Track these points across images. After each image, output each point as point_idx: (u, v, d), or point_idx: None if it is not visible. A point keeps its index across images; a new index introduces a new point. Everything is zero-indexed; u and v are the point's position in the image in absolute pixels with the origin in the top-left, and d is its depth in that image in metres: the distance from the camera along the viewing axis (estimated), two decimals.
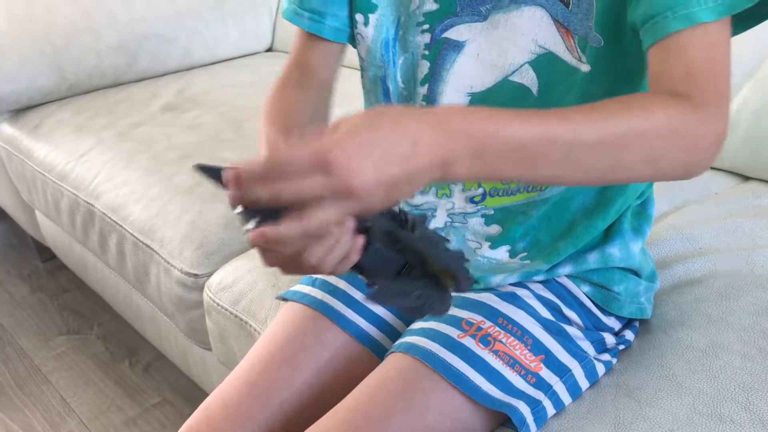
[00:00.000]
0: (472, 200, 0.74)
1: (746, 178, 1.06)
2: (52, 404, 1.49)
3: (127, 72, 1.70)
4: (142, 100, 1.59)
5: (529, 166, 0.51)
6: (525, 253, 0.73)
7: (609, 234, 0.73)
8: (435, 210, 0.77)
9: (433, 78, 0.71)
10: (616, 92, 0.66)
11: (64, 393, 1.52)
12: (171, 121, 1.46)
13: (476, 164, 0.50)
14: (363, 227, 0.54)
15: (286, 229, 0.48)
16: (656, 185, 0.99)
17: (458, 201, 0.75)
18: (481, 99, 0.69)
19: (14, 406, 1.49)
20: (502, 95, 0.68)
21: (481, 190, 0.73)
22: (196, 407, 0.75)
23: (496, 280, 0.72)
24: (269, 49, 1.94)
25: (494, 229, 0.75)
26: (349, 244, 0.52)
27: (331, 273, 0.54)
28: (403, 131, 0.48)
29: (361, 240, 0.53)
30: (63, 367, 1.59)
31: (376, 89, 0.76)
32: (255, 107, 1.48)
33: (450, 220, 0.76)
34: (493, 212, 0.74)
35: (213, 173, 0.52)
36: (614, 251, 0.72)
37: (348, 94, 1.49)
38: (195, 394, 1.46)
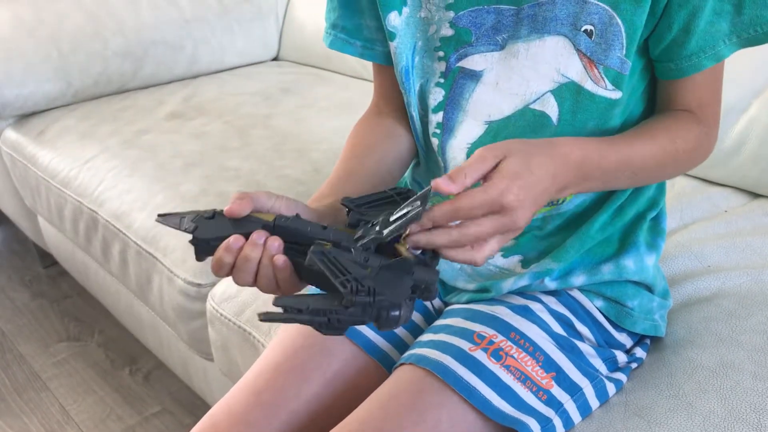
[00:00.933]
0: None
1: (755, 196, 1.06)
2: (51, 412, 1.48)
3: (133, 78, 1.70)
4: (147, 107, 1.58)
5: (607, 183, 0.66)
6: (537, 262, 0.72)
7: (624, 246, 0.73)
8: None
9: (450, 106, 0.71)
10: (634, 113, 0.70)
11: (63, 400, 1.50)
12: (177, 128, 1.46)
13: (579, 186, 0.63)
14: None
15: (446, 216, 0.55)
16: (666, 201, 0.99)
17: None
18: (498, 126, 0.70)
19: (12, 413, 1.48)
20: (521, 122, 0.69)
21: None
22: (196, 417, 0.74)
23: (506, 285, 0.72)
24: (275, 58, 1.94)
25: (508, 243, 0.74)
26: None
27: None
28: (546, 169, 0.58)
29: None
30: (63, 374, 1.58)
31: (408, 116, 0.77)
32: (261, 116, 1.49)
33: None
34: None
35: (173, 221, 0.60)
36: (629, 263, 0.72)
37: (353, 104, 1.49)
38: (195, 404, 1.44)
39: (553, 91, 0.67)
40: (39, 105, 1.62)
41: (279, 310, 0.55)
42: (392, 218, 0.56)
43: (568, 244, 0.71)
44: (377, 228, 0.56)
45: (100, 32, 1.64)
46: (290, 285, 0.59)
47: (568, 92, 0.67)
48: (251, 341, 0.94)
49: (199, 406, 1.43)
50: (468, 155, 0.71)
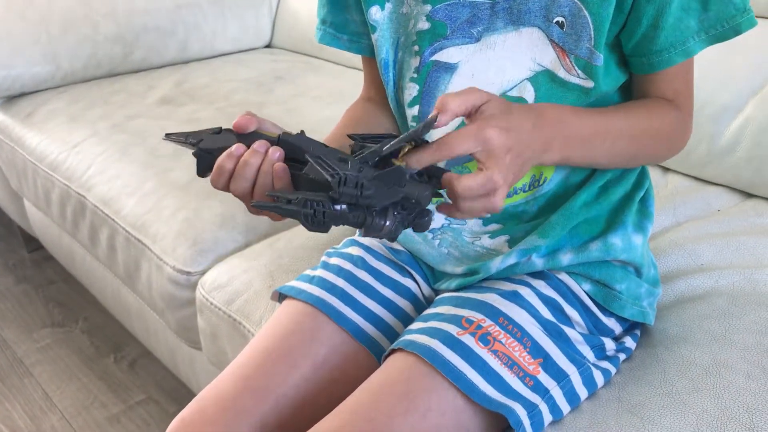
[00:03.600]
0: None
1: (748, 195, 1.06)
2: (34, 398, 1.46)
3: (123, 63, 1.68)
4: (138, 92, 1.56)
5: (588, 153, 0.67)
6: (523, 241, 0.73)
7: (611, 226, 0.74)
8: (433, 213, 0.76)
9: (425, 100, 0.73)
10: (608, 102, 0.72)
11: (46, 387, 1.49)
12: (167, 114, 1.44)
13: (563, 152, 0.64)
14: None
15: (429, 156, 0.57)
16: (657, 202, 0.99)
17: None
18: None
19: None
20: None
21: None
22: (181, 406, 0.74)
23: (494, 264, 0.72)
24: (268, 45, 1.92)
25: (493, 227, 0.76)
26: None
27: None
28: (526, 115, 0.61)
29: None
30: (46, 360, 1.56)
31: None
32: (253, 104, 1.47)
33: (448, 221, 0.77)
34: (490, 215, 0.74)
35: (179, 138, 0.62)
36: (616, 241, 0.73)
37: (345, 93, 1.48)
38: (181, 393, 1.43)
39: (529, 79, 0.70)
40: (27, 87, 1.59)
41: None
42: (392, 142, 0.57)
43: (553, 220, 0.72)
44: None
45: (91, 15, 1.62)
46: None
47: (543, 79, 0.69)
48: (241, 331, 0.93)
49: (184, 395, 1.42)
50: None
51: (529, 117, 0.62)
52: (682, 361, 0.73)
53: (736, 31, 0.68)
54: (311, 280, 0.79)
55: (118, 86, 1.61)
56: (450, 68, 0.71)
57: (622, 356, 0.74)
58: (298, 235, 1.03)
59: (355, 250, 0.81)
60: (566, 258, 0.72)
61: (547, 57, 0.69)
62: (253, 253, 1.01)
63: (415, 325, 0.70)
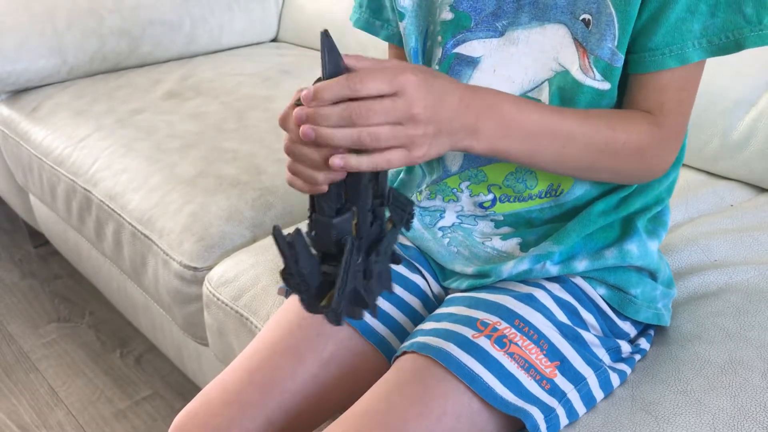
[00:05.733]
0: (481, 206, 0.74)
1: (762, 190, 1.04)
2: (40, 393, 1.46)
3: (129, 57, 1.67)
4: (143, 87, 1.55)
5: (533, 151, 0.62)
6: (537, 245, 0.71)
7: (626, 232, 0.72)
8: (444, 211, 0.75)
9: None
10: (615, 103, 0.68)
11: (52, 382, 1.48)
12: (173, 108, 1.43)
13: (496, 140, 0.59)
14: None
15: (338, 85, 0.52)
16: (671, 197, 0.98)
17: (467, 206, 0.74)
18: None
19: (1, 394, 1.46)
20: None
21: (491, 196, 0.72)
22: (188, 402, 0.74)
23: (506, 269, 0.71)
24: (274, 39, 1.91)
25: (505, 230, 0.74)
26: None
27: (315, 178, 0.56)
28: (453, 87, 0.57)
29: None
30: (52, 355, 1.56)
31: None
32: (259, 98, 1.46)
33: (459, 220, 0.76)
34: (503, 218, 0.74)
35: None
36: (632, 248, 0.71)
37: None
38: (187, 389, 1.43)
39: (549, 80, 0.67)
40: (32, 81, 1.58)
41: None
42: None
43: (569, 227, 0.70)
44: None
45: (97, 9, 1.61)
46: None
47: (560, 81, 0.67)
48: (248, 326, 0.92)
49: (190, 391, 1.41)
50: None
51: (457, 89, 0.57)
52: (696, 359, 0.71)
53: (739, 45, 0.62)
54: None
55: (123, 80, 1.60)
56: (472, 62, 0.69)
57: (637, 357, 0.73)
58: (305, 229, 1.02)
59: None
60: (581, 265, 0.71)
61: (569, 57, 0.65)
62: (261, 248, 1.00)
63: (426, 325, 0.69)
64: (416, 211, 0.78)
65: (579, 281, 0.72)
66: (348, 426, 0.62)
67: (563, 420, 0.65)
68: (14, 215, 1.90)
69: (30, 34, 1.55)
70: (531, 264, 0.70)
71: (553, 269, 0.71)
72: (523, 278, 0.71)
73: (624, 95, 0.67)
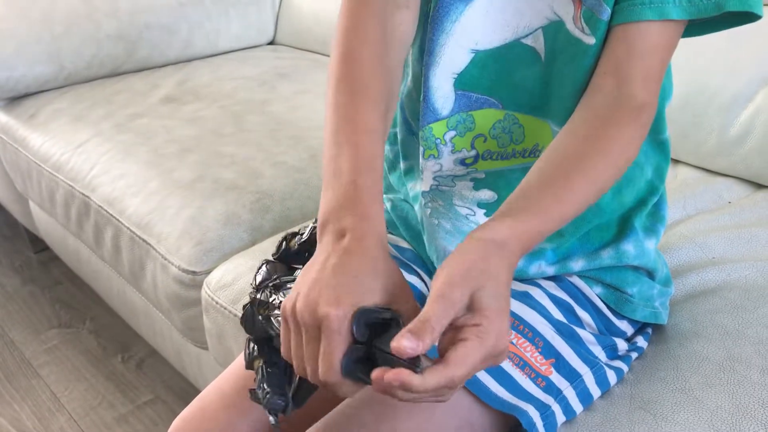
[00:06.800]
0: (462, 162, 0.71)
1: (760, 186, 1.04)
2: (42, 399, 1.46)
3: (127, 61, 1.67)
4: (141, 91, 1.56)
5: (558, 227, 0.58)
6: None
7: (623, 231, 0.71)
8: (421, 173, 0.73)
9: (432, 25, 0.66)
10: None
11: (54, 387, 1.49)
12: (171, 113, 1.43)
13: (522, 255, 0.55)
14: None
15: (436, 384, 0.48)
16: (666, 194, 0.97)
17: (447, 163, 0.71)
18: (485, 57, 0.66)
19: (3, 400, 1.46)
20: (510, 56, 0.66)
21: (474, 152, 0.70)
22: None
23: None
24: (271, 42, 1.91)
25: (485, 194, 0.71)
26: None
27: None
28: (499, 279, 0.51)
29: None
30: (54, 361, 1.56)
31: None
32: (257, 102, 1.46)
33: (436, 183, 0.72)
34: (484, 176, 0.71)
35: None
36: (629, 248, 0.71)
37: None
38: (188, 393, 1.43)
39: (543, 28, 0.64)
40: (30, 87, 1.59)
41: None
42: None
43: (563, 229, 0.68)
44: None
45: (94, 14, 1.61)
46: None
47: (553, 30, 0.64)
48: None
49: (192, 395, 1.40)
50: (456, 86, 0.67)
51: (508, 272, 0.53)
52: (695, 356, 0.71)
53: (720, 6, 0.59)
54: None
55: (121, 85, 1.60)
56: None
57: (634, 355, 0.73)
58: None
59: None
60: (578, 265, 0.71)
61: (564, 6, 0.62)
62: (259, 251, 1.00)
63: None
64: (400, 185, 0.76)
65: (575, 280, 0.72)
66: (341, 417, 0.63)
67: (560, 417, 0.65)
68: (14, 221, 1.90)
69: (27, 40, 1.55)
70: (525, 264, 0.70)
71: (550, 269, 0.70)
72: (520, 276, 0.71)
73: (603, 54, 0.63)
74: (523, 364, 0.64)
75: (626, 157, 0.61)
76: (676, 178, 1.08)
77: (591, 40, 0.62)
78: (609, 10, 0.60)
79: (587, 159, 0.58)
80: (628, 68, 0.60)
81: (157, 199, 1.15)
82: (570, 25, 0.63)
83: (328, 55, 1.76)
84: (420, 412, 0.61)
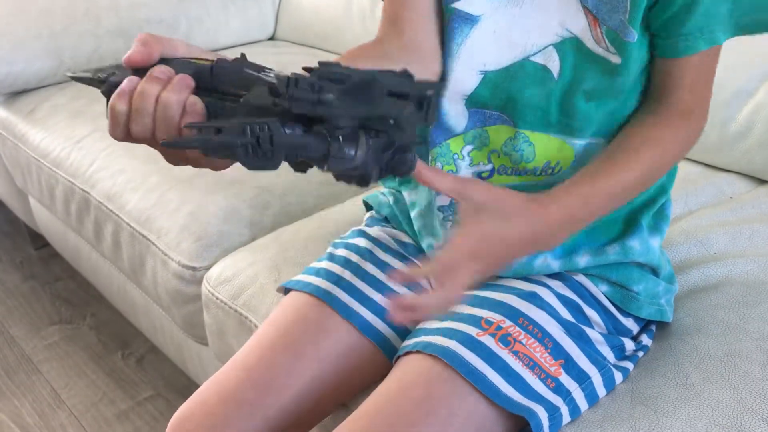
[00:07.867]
0: (479, 176, 0.71)
1: (761, 182, 1.04)
2: (43, 395, 1.46)
3: None
4: None
5: (594, 217, 0.65)
6: None
7: (629, 228, 0.71)
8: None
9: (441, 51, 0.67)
10: (630, 84, 0.66)
11: (54, 384, 1.49)
12: None
13: (571, 233, 0.63)
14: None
15: (436, 303, 0.56)
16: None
17: (464, 175, 0.72)
18: (496, 78, 0.67)
19: (4, 396, 1.46)
20: (521, 75, 0.66)
21: (490, 166, 0.70)
22: None
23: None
24: (272, 38, 1.91)
25: None
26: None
27: None
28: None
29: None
30: (54, 357, 1.56)
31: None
32: None
33: None
34: None
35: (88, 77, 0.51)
36: (634, 244, 0.71)
37: None
38: (189, 389, 1.42)
39: (555, 45, 0.64)
40: (30, 83, 1.58)
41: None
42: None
43: None
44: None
45: (93, 9, 1.61)
46: None
47: (570, 48, 0.64)
48: (247, 325, 0.92)
49: (192, 391, 1.39)
50: (467, 105, 0.68)
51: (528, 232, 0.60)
52: (696, 352, 0.71)
53: (766, 26, 0.64)
54: (317, 272, 0.77)
55: None
56: (470, 20, 0.65)
57: (640, 354, 0.73)
58: (304, 227, 1.02)
59: (362, 242, 0.80)
60: (583, 260, 0.70)
61: (578, 23, 0.63)
62: (259, 246, 1.00)
63: (429, 324, 0.69)
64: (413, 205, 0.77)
65: (581, 279, 0.72)
66: (356, 427, 0.62)
67: (566, 418, 0.65)
68: (14, 218, 1.90)
69: (26, 35, 1.55)
70: (530, 257, 0.70)
71: (555, 264, 0.70)
72: (525, 273, 0.71)
73: (649, 82, 0.68)
74: (533, 365, 0.64)
75: (673, 153, 0.67)
76: (677, 174, 1.07)
77: (617, 60, 0.64)
78: (635, 33, 0.62)
79: (636, 152, 0.65)
80: (674, 82, 0.66)
81: (157, 194, 1.15)
82: (590, 44, 0.64)
83: (328, 51, 1.77)
84: (437, 422, 0.61)
